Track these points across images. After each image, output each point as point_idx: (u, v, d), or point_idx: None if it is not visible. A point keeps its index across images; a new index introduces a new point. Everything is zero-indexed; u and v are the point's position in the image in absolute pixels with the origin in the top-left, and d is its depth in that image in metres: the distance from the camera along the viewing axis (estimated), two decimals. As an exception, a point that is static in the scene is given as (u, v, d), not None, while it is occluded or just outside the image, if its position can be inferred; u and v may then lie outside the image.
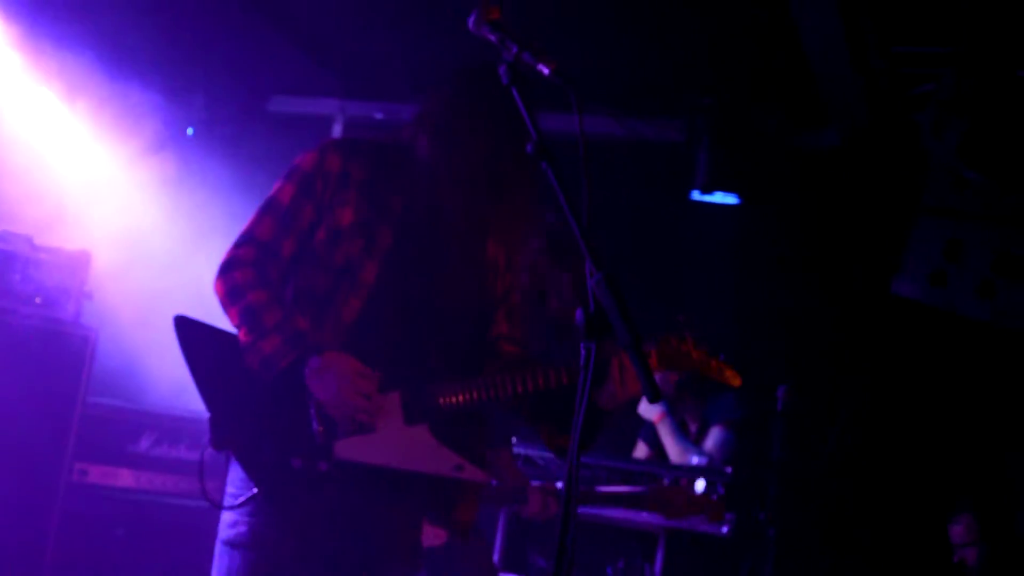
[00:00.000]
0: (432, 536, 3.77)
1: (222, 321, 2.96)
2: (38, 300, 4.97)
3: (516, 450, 5.27)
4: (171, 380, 5.09)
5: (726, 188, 6.03)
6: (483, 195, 3.01)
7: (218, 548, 2.97)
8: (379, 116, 6.61)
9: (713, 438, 5.65)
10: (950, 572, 5.21)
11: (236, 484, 2.96)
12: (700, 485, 3.88)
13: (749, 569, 4.99)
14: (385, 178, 3.00)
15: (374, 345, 2.91)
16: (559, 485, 4.23)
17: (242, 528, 2.92)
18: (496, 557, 5.28)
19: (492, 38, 2.61)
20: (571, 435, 2.33)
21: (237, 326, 2.91)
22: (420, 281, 2.98)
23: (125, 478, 5.27)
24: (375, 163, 3.02)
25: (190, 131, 6.49)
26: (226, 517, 2.97)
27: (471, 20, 2.64)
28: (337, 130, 6.71)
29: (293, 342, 2.84)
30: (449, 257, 3.02)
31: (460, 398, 2.92)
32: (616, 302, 2.34)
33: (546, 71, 2.52)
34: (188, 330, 2.95)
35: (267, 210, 2.99)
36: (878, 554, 5.82)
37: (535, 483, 4.23)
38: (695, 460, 5.55)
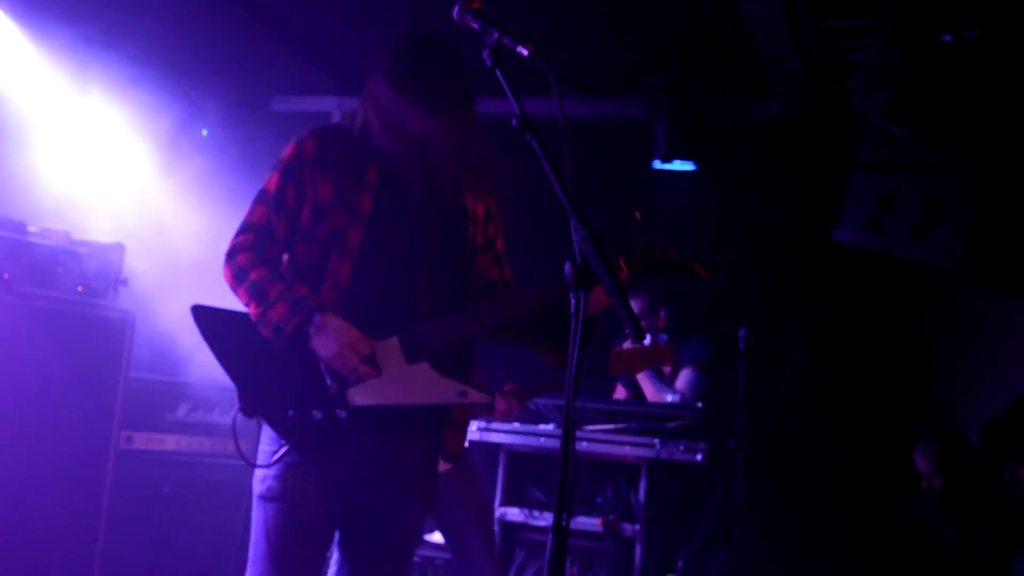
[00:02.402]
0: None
1: (236, 303, 2.97)
2: (80, 289, 4.94)
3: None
4: (200, 354, 5.07)
5: (683, 157, 6.04)
6: (439, 157, 2.99)
7: (255, 502, 2.98)
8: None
9: (684, 378, 5.68)
10: (901, 488, 5.26)
11: (268, 443, 2.97)
12: (647, 339, 3.87)
13: (722, 491, 5.00)
14: (357, 154, 2.98)
15: (369, 300, 2.92)
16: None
17: (272, 483, 2.93)
18: (498, 493, 5.29)
19: (475, 25, 2.61)
20: (567, 378, 2.33)
21: (246, 303, 2.92)
22: (402, 238, 2.98)
23: (166, 442, 5.29)
24: (346, 143, 3.00)
25: (204, 132, 6.45)
26: (258, 474, 2.98)
27: (455, 10, 2.64)
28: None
29: (296, 306, 2.85)
30: (425, 214, 3.01)
31: (453, 332, 2.93)
32: (599, 255, 2.36)
33: (525, 53, 2.53)
34: (204, 316, 2.95)
35: (259, 199, 3.00)
36: (833, 472, 5.87)
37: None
38: (669, 398, 5.57)
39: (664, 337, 5.27)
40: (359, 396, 2.89)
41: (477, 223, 3.12)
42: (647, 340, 4.52)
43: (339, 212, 2.94)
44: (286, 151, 3.02)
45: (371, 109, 2.98)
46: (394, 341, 2.91)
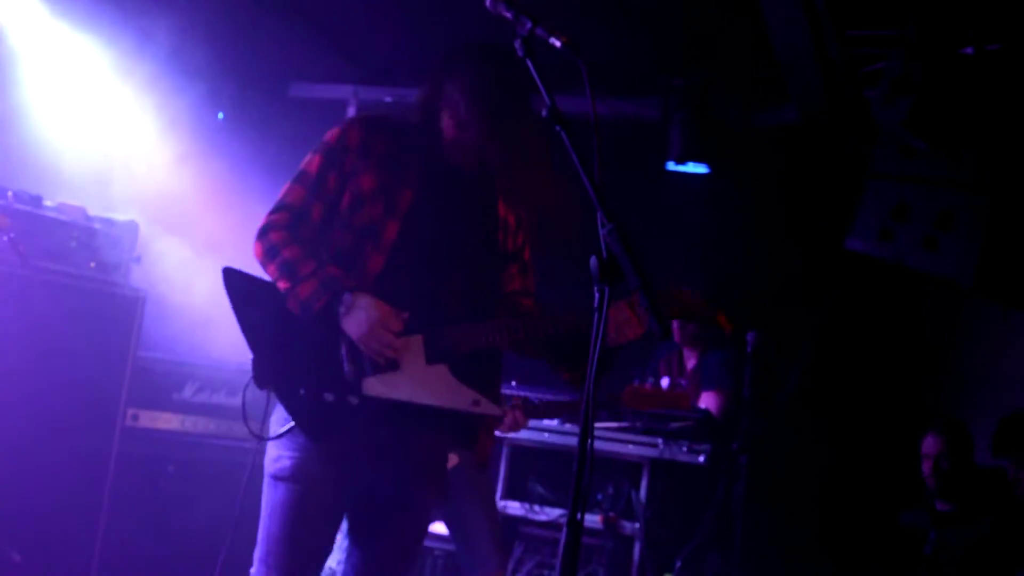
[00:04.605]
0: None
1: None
2: (93, 265, 4.90)
3: (516, 392, 5.24)
4: (211, 337, 5.04)
5: (698, 159, 6.01)
6: (498, 165, 2.97)
7: (266, 481, 2.95)
8: (388, 99, 6.54)
9: (706, 403, 5.58)
10: (915, 487, 5.23)
11: (278, 419, 2.93)
12: (665, 382, 3.85)
13: (723, 493, 4.97)
14: (402, 149, 2.96)
15: (397, 295, 2.87)
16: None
17: (286, 462, 2.90)
18: (500, 487, 5.26)
19: (508, 14, 2.57)
20: (587, 374, 2.29)
21: (276, 279, 2.88)
22: (436, 238, 2.94)
23: (172, 421, 5.24)
24: (393, 137, 2.97)
25: (221, 115, 6.42)
26: (271, 452, 2.94)
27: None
28: (351, 112, 6.64)
29: (327, 285, 2.82)
30: (462, 217, 2.99)
31: (477, 340, 2.89)
32: (625, 249, 2.32)
33: (558, 44, 2.49)
34: (234, 280, 2.92)
35: (298, 180, 2.96)
36: (836, 474, 5.84)
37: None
38: (666, 382, 5.52)
39: (684, 384, 5.21)
40: (373, 386, 2.86)
41: (508, 230, 3.09)
42: (664, 383, 4.50)
43: (378, 204, 2.91)
44: (330, 135, 2.97)
45: (446, 112, 2.94)
46: (418, 339, 2.88)
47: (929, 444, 4.96)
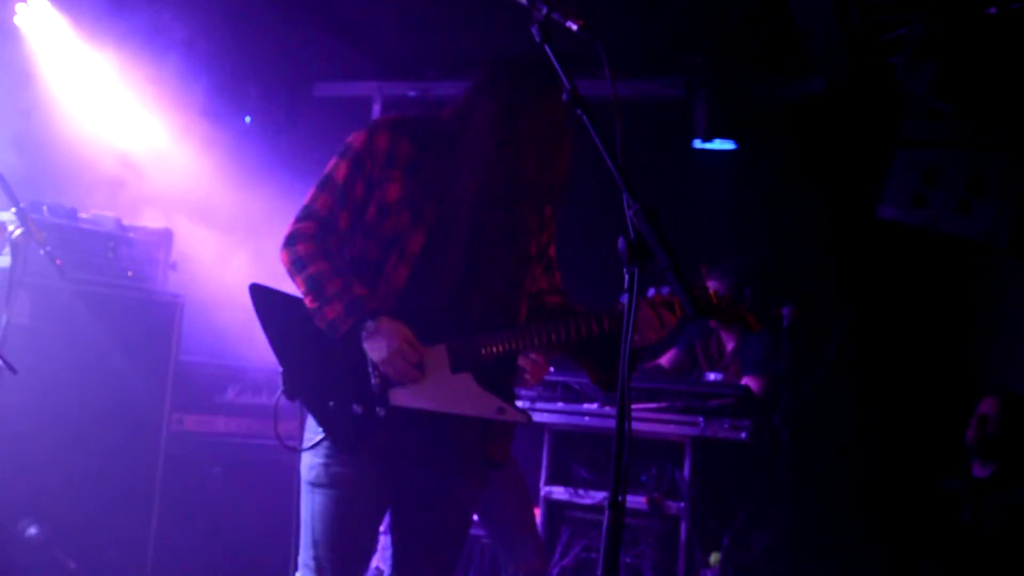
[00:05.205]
0: None
1: (286, 285, 2.94)
2: (130, 274, 4.93)
3: (555, 379, 5.23)
4: (248, 338, 5.07)
5: (724, 135, 5.96)
6: (531, 173, 2.93)
7: (303, 488, 2.95)
8: (412, 94, 6.54)
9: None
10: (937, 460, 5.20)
11: (311, 429, 2.94)
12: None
13: (766, 468, 4.94)
14: (430, 155, 2.92)
15: (421, 306, 2.87)
16: None
17: (322, 469, 2.90)
18: (543, 473, 5.25)
19: (523, 1, 2.54)
20: (620, 357, 2.29)
21: (303, 294, 2.87)
22: (462, 249, 2.92)
23: (216, 424, 5.28)
24: (420, 141, 2.94)
25: (248, 119, 6.44)
26: (306, 460, 2.94)
27: None
28: (376, 109, 6.65)
29: (352, 308, 2.81)
30: (489, 227, 2.95)
31: (500, 347, 2.89)
32: (653, 229, 2.28)
33: (575, 27, 2.46)
34: (261, 296, 2.92)
35: (324, 187, 2.92)
36: (878, 448, 5.80)
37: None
38: (711, 377, 5.50)
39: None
40: (400, 397, 2.87)
41: (533, 232, 3.05)
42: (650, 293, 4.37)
43: (404, 215, 2.88)
44: (355, 139, 2.93)
45: (475, 124, 2.91)
46: (441, 348, 2.88)
47: (985, 405, 4.96)
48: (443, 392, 2.87)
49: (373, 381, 2.86)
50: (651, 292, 2.88)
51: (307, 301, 2.86)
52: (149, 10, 5.55)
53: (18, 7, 5.34)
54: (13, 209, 3.95)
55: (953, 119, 5.00)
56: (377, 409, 2.87)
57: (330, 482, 2.88)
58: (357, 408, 2.86)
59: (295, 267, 2.88)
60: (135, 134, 5.82)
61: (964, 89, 4.84)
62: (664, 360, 5.75)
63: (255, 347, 4.96)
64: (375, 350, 2.81)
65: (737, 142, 5.98)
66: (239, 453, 5.27)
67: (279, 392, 2.90)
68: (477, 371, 2.88)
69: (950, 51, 4.75)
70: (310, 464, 2.93)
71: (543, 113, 2.88)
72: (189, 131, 5.93)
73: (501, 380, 2.95)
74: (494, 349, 2.89)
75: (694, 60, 5.89)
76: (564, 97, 2.43)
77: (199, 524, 5.06)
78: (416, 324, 2.86)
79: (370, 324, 2.81)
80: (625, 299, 2.29)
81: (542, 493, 5.17)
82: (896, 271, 5.94)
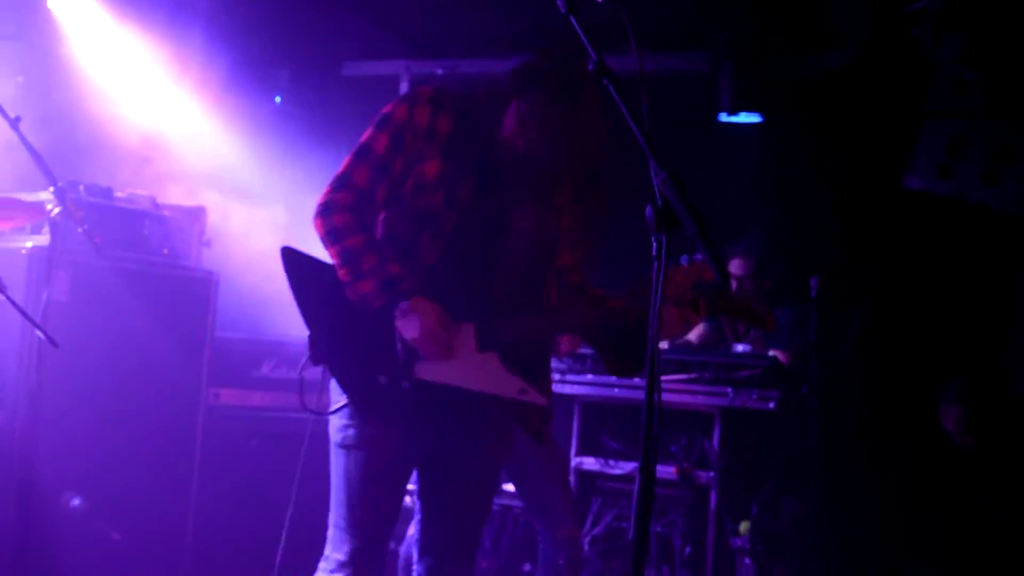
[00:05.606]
0: None
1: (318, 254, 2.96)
2: (165, 251, 4.99)
3: (585, 351, 5.24)
4: (282, 313, 5.12)
5: (749, 109, 5.97)
6: (568, 163, 2.96)
7: (332, 450, 3.00)
8: (440, 72, 6.55)
9: None
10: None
11: (336, 392, 2.98)
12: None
13: (795, 436, 4.95)
14: (468, 135, 2.94)
15: (450, 284, 2.90)
16: None
17: (350, 431, 2.95)
18: (573, 444, 5.29)
19: (549, -27, 2.54)
20: (650, 321, 2.27)
21: (338, 265, 2.89)
22: (493, 232, 2.95)
23: (252, 398, 5.35)
24: (459, 118, 2.94)
25: (278, 99, 6.48)
26: (335, 422, 2.99)
27: None
28: (404, 88, 6.67)
29: (386, 287, 2.84)
30: (521, 208, 2.98)
31: (527, 330, 2.93)
32: (681, 197, 2.28)
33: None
34: (293, 260, 2.94)
35: (362, 157, 2.92)
36: (900, 415, 5.78)
37: None
38: (739, 348, 5.50)
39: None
40: (425, 371, 2.90)
41: (561, 214, 3.07)
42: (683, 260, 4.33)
43: (440, 193, 2.90)
44: (397, 111, 2.93)
45: (514, 111, 2.92)
46: (469, 327, 2.91)
47: (945, 423, 4.96)
48: (468, 370, 2.90)
49: (400, 351, 2.88)
50: (684, 260, 2.88)
51: (341, 273, 2.88)
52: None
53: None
54: (51, 188, 3.97)
55: (979, 89, 4.95)
56: (402, 381, 2.89)
57: (357, 443, 2.93)
58: (382, 379, 2.89)
59: (330, 237, 2.89)
60: (162, 110, 5.87)
61: (991, 59, 4.79)
62: (692, 336, 5.76)
63: (289, 322, 5.05)
64: (408, 328, 2.84)
65: (763, 115, 5.97)
66: (274, 425, 5.33)
67: (303, 361, 2.94)
68: (503, 351, 2.91)
69: (976, 20, 4.70)
70: (337, 427, 2.98)
71: (579, 104, 2.87)
72: (216, 108, 5.97)
73: (528, 360, 2.96)
74: (520, 331, 2.92)
75: (720, 34, 5.87)
76: (590, 67, 2.42)
77: (237, 494, 5.13)
78: (445, 302, 2.88)
79: (404, 304, 2.84)
80: (650, 212, 2.27)
81: (573, 464, 5.21)
82: (923, 242, 5.90)
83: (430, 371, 2.90)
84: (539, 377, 3.01)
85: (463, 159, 2.92)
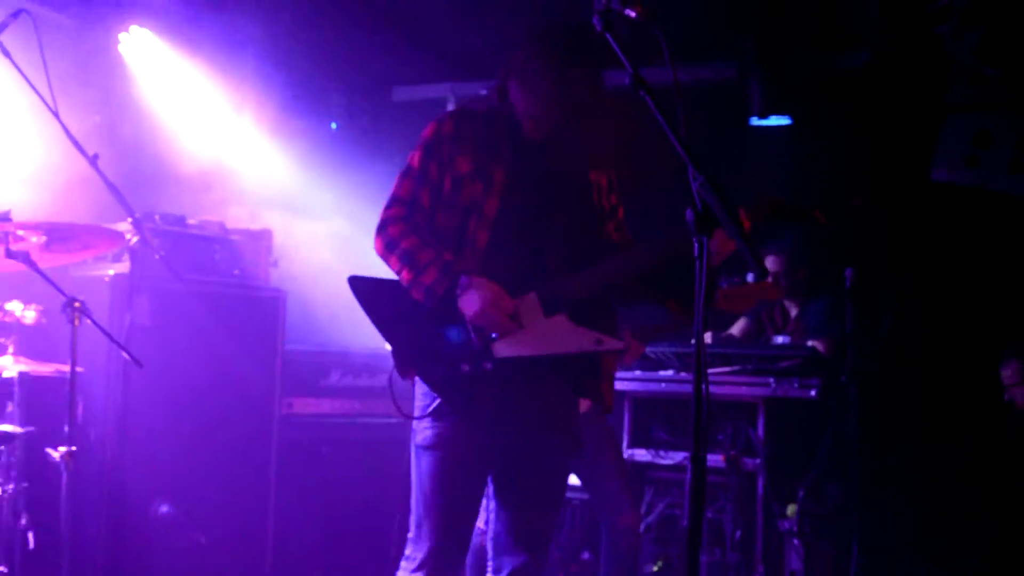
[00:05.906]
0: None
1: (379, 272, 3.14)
2: (236, 272, 5.22)
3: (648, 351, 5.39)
4: (347, 325, 5.32)
5: (779, 112, 6.09)
6: (574, 129, 3.12)
7: (414, 452, 3.16)
8: (484, 92, 6.72)
9: None
10: (1000, 410, 5.24)
11: (422, 397, 3.14)
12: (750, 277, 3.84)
13: (836, 424, 5.07)
14: (490, 131, 3.13)
15: (505, 263, 3.06)
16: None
17: (429, 432, 3.10)
18: (625, 437, 5.45)
19: (584, -8, 2.70)
20: (695, 318, 2.40)
21: (398, 271, 3.07)
22: (534, 205, 3.11)
23: (322, 406, 5.55)
24: (480, 122, 3.16)
25: (334, 125, 6.68)
26: (416, 426, 3.15)
27: None
28: (451, 108, 6.84)
29: (445, 271, 3.01)
30: (554, 182, 3.14)
31: (587, 285, 3.05)
32: (719, 199, 2.40)
33: (633, 14, 2.60)
34: (360, 285, 3.13)
35: (405, 175, 3.15)
36: (945, 401, 5.85)
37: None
38: (779, 340, 5.64)
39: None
40: (503, 348, 3.02)
41: (601, 191, 3.23)
42: (750, 277, 4.46)
43: (477, 183, 3.08)
44: (426, 131, 3.17)
45: (517, 92, 3.11)
46: (532, 296, 3.04)
47: (1003, 375, 5.04)
48: (542, 336, 3.01)
49: (474, 338, 3.03)
50: (750, 277, 3.01)
51: (403, 276, 3.06)
52: (224, 10, 5.76)
53: (121, 36, 5.65)
54: (129, 219, 4.11)
55: (1001, 83, 5.07)
56: (484, 364, 3.03)
57: (437, 444, 3.09)
58: (465, 367, 3.04)
59: (389, 248, 3.09)
60: (223, 138, 6.07)
61: (1011, 53, 4.91)
62: (735, 330, 5.93)
63: (354, 333, 5.27)
64: (469, 304, 2.99)
65: (792, 117, 6.10)
66: (344, 431, 5.54)
67: (391, 370, 3.09)
68: (571, 311, 3.04)
69: (996, 16, 4.82)
70: (418, 429, 3.14)
71: (593, 75, 3.07)
72: (273, 133, 6.16)
73: (596, 315, 3.07)
74: (582, 287, 3.04)
75: (746, 43, 6.01)
76: (627, 81, 2.56)
77: (312, 498, 5.35)
78: (502, 280, 3.03)
79: (464, 280, 2.99)
80: (691, 215, 2.38)
81: (625, 456, 5.32)
82: (952, 233, 5.98)
83: (508, 347, 3.01)
84: (609, 326, 3.13)
85: (491, 149, 3.10)
